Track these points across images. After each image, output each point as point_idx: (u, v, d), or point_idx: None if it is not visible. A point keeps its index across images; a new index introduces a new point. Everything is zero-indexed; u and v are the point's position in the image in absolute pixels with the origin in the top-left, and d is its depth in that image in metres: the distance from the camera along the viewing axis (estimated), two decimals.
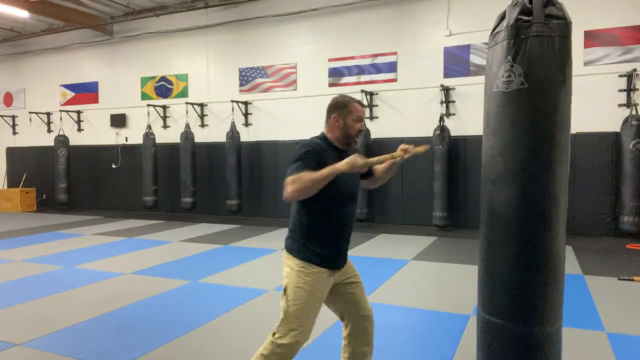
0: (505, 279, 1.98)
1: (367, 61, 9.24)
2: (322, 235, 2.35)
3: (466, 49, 8.44)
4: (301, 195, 2.19)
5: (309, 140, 2.40)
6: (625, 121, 7.19)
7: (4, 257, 6.50)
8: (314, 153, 2.27)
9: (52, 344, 3.51)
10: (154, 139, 10.49)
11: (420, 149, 2.46)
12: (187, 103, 10.51)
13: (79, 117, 12.33)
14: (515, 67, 1.88)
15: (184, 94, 10.97)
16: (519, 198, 1.93)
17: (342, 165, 2.14)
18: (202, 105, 10.77)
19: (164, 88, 11.22)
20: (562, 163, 1.92)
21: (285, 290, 2.34)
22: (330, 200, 2.31)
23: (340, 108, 2.40)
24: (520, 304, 1.94)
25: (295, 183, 2.14)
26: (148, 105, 10.92)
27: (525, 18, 1.87)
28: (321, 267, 2.34)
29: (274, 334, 2.32)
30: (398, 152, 2.42)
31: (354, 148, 2.50)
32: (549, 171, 1.90)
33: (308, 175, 2.14)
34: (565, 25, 1.87)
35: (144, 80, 11.44)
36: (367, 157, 2.25)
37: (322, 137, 2.43)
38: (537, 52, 1.85)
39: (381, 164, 2.53)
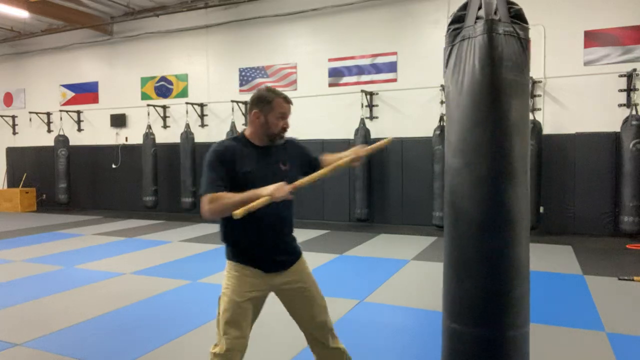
0: (468, 283, 1.91)
1: (367, 61, 9.24)
2: (243, 237, 2.24)
3: None
4: (220, 216, 2.15)
5: (218, 143, 2.27)
6: (625, 121, 7.18)
7: (4, 257, 6.50)
8: (224, 161, 2.17)
9: (52, 344, 3.51)
10: (154, 139, 10.49)
11: (382, 143, 2.36)
12: (187, 103, 10.51)
13: (79, 117, 12.33)
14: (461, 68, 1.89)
15: (184, 94, 10.97)
16: (479, 201, 1.88)
17: (264, 194, 2.01)
18: (202, 105, 10.77)
19: (164, 88, 11.22)
20: (521, 170, 1.87)
21: (219, 296, 2.28)
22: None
23: (262, 103, 2.23)
24: (484, 309, 1.89)
25: (214, 204, 2.08)
26: (148, 105, 10.92)
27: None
28: (247, 266, 2.23)
29: (216, 344, 2.25)
30: (346, 159, 2.23)
31: (278, 143, 2.32)
32: (508, 176, 1.86)
33: (228, 199, 2.06)
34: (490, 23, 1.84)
35: (144, 80, 11.44)
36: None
37: (238, 137, 2.30)
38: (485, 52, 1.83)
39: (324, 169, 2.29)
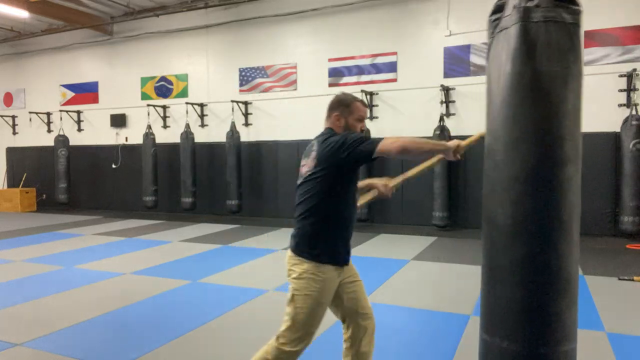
0: (498, 291, 1.76)
1: (367, 61, 9.24)
2: (334, 231, 2.30)
3: (466, 49, 8.44)
4: (408, 155, 2.11)
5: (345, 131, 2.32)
6: (625, 121, 7.18)
7: (4, 257, 6.50)
8: None
9: (52, 344, 3.51)
10: (154, 139, 10.48)
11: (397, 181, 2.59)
12: (187, 103, 10.51)
13: (79, 117, 12.33)
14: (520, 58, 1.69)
15: (184, 94, 10.97)
16: (525, 206, 1.70)
17: (450, 145, 2.17)
18: (202, 105, 10.77)
19: (164, 88, 11.22)
20: (573, 160, 1.70)
21: (293, 297, 2.26)
22: (348, 196, 2.31)
23: (342, 106, 2.35)
24: (510, 320, 1.73)
25: (407, 141, 2.07)
26: (148, 105, 10.92)
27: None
28: (332, 264, 2.28)
29: (277, 338, 2.25)
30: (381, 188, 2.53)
31: None
32: (560, 171, 1.68)
33: (421, 140, 2.14)
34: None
35: (144, 80, 11.44)
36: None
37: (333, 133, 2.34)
38: (543, 41, 1.65)
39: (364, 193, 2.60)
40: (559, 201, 1.70)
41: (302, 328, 2.24)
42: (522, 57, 1.67)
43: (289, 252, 2.35)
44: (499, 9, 1.79)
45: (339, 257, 2.33)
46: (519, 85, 1.69)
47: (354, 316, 2.46)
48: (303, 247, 2.29)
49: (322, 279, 2.26)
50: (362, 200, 2.44)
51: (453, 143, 2.18)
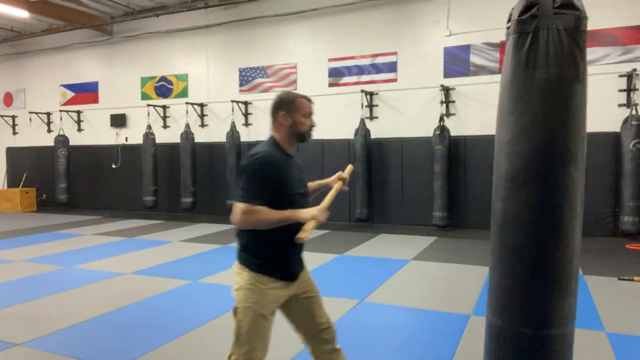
0: (516, 282, 1.88)
1: (367, 61, 9.24)
2: (274, 244, 2.20)
3: (466, 49, 8.44)
4: (250, 228, 2.12)
5: (260, 150, 2.19)
6: (625, 121, 7.19)
7: (4, 257, 6.50)
8: (271, 176, 2.13)
9: (52, 344, 3.51)
10: (154, 139, 10.49)
11: (347, 171, 2.59)
12: (187, 103, 10.51)
13: (79, 117, 12.33)
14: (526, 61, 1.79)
15: (184, 94, 10.97)
16: (534, 199, 1.81)
17: (305, 217, 2.08)
18: (202, 105, 10.77)
19: (164, 88, 11.22)
20: (575, 162, 1.79)
21: (235, 309, 2.18)
22: (285, 209, 2.18)
23: (287, 105, 2.25)
24: (529, 307, 1.85)
25: (253, 217, 2.06)
26: (148, 105, 10.92)
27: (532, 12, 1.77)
28: (274, 277, 2.19)
29: (230, 356, 2.19)
30: (339, 183, 2.47)
31: (295, 154, 2.38)
32: (561, 171, 1.78)
33: (269, 216, 2.07)
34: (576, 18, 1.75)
35: (144, 80, 11.44)
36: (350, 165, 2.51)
37: (273, 143, 2.26)
38: (544, 47, 1.75)
39: (314, 183, 2.55)
40: (552, 197, 1.79)
41: (247, 343, 2.14)
42: (518, 66, 1.79)
43: (235, 262, 2.28)
44: (511, 17, 1.86)
45: (284, 271, 2.24)
46: (517, 93, 1.81)
47: (309, 332, 2.38)
48: (245, 256, 2.22)
49: (261, 290, 2.16)
50: (327, 200, 2.30)
51: (310, 212, 2.09)
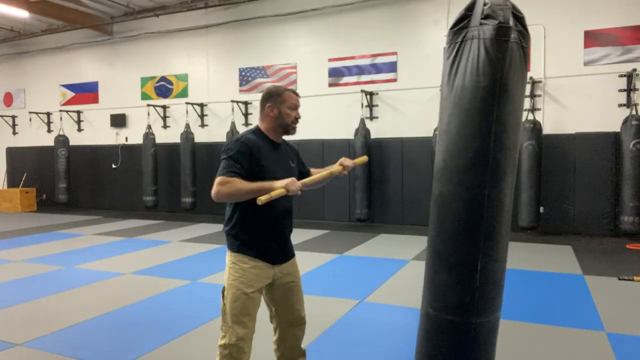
0: (428, 264, 2.04)
1: (367, 61, 9.24)
2: (257, 228, 2.31)
3: None
4: (229, 200, 2.22)
5: (242, 135, 2.35)
6: (625, 121, 7.18)
7: (4, 257, 6.50)
8: (246, 152, 2.23)
9: (52, 344, 3.51)
10: (154, 139, 10.49)
11: (359, 160, 2.60)
12: (187, 103, 10.51)
13: (79, 117, 12.33)
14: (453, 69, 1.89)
15: (184, 94, 10.97)
16: (459, 195, 1.99)
17: (277, 185, 2.14)
18: (202, 105, 10.77)
19: (164, 88, 11.22)
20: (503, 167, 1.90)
21: (222, 289, 2.33)
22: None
23: (274, 97, 2.38)
24: (457, 297, 1.93)
25: (227, 187, 2.15)
26: (148, 105, 10.92)
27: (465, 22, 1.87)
28: (254, 257, 2.29)
29: (220, 340, 2.29)
30: (337, 167, 2.48)
31: (285, 142, 2.51)
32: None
33: (242, 184, 2.15)
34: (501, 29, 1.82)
35: (144, 80, 11.44)
36: (358, 157, 2.41)
37: (256, 131, 2.39)
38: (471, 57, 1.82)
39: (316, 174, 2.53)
40: (475, 204, 1.96)
41: (231, 319, 2.25)
42: (444, 73, 1.92)
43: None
44: (463, 19, 1.90)
45: (261, 250, 2.32)
46: (482, 94, 1.83)
47: (281, 318, 2.47)
48: (229, 239, 2.37)
49: (243, 269, 2.28)
50: (311, 178, 2.39)
51: (282, 182, 2.15)
